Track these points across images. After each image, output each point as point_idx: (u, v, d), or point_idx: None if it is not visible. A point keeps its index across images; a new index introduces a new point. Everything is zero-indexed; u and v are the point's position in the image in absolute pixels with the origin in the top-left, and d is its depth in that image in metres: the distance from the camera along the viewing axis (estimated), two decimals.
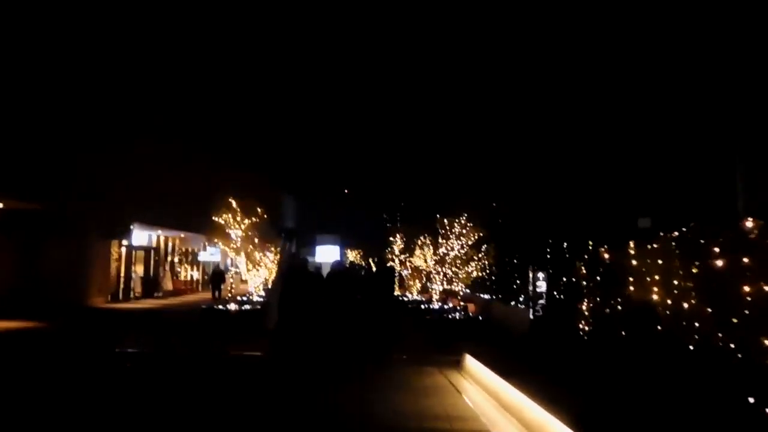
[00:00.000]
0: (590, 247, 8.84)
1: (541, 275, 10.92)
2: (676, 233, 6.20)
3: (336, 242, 43.63)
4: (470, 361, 10.31)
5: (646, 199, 14.60)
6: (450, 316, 14.23)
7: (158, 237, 27.36)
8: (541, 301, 10.88)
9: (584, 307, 9.09)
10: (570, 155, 16.26)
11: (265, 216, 16.26)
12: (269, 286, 15.48)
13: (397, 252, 25.15)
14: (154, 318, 19.55)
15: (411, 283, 22.72)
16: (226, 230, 15.97)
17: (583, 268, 9.02)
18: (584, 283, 8.98)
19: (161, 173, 23.20)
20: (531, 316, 11.05)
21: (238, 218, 16.03)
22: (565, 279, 11.50)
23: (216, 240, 17.13)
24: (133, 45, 22.01)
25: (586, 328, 9.16)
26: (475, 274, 14.70)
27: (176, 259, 30.53)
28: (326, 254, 37.87)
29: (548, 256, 13.25)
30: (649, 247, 6.81)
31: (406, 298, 22.08)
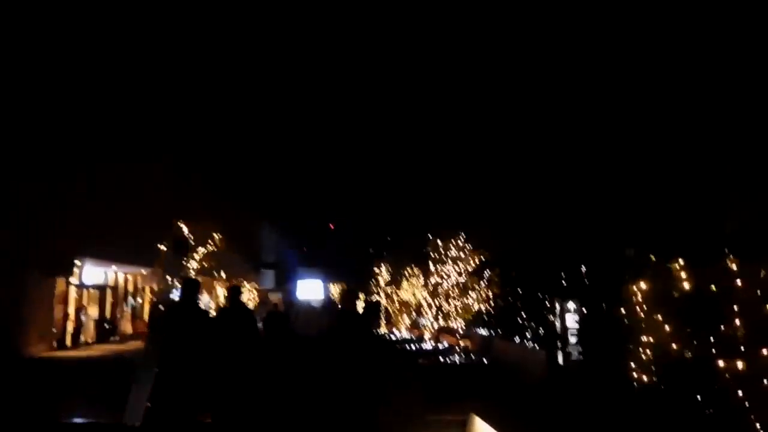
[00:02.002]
0: (654, 264, 6.18)
1: (571, 306, 8.22)
2: None
3: (318, 277, 40.66)
4: (481, 428, 7.46)
5: (629, 227, 12.41)
6: (447, 360, 11.35)
7: (115, 274, 24.14)
8: (574, 341, 8.15)
9: (641, 350, 6.41)
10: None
11: (221, 241, 13.38)
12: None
13: (382, 284, 22.31)
14: (105, 370, 16.23)
15: (399, 318, 19.81)
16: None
17: (638, 293, 6.35)
18: (642, 315, 6.31)
19: (116, 203, 20.24)
20: (560, 360, 8.29)
21: (191, 246, 13.13)
22: (586, 310, 8.82)
23: (161, 271, 14.14)
24: (83, 57, 19.51)
25: (644, 379, 6.45)
26: (476, 306, 11.89)
27: (138, 299, 27.21)
28: (308, 289, 35.16)
29: (564, 283, 10.57)
30: None
31: (393, 337, 19.12)
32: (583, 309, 8.24)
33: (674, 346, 5.84)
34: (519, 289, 12.46)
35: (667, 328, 5.91)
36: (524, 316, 12.28)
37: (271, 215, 42.21)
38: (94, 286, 23.01)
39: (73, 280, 21.29)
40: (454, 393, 9.54)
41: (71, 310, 21.41)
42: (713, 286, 5.01)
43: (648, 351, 6.32)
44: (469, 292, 12.34)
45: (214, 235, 13.45)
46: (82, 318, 21.63)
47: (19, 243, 17.68)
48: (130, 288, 25.78)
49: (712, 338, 5.06)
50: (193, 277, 13.06)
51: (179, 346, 5.21)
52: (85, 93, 19.49)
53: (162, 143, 23.89)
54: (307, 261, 47.30)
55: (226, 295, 6.58)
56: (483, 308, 12.91)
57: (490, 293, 11.86)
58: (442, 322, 13.75)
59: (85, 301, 22.29)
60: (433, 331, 15.05)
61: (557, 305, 8.29)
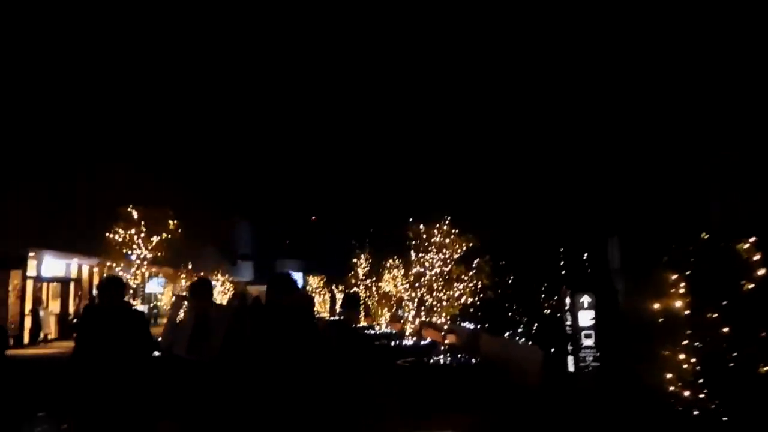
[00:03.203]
0: (706, 244, 4.52)
1: (586, 300, 6.55)
2: None
3: (299, 269, 38.84)
4: None
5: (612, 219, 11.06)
6: (431, 360, 9.69)
7: (78, 266, 22.01)
8: (589, 343, 6.50)
9: (683, 358, 4.79)
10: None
11: (179, 231, 11.47)
12: None
13: (361, 276, 20.57)
14: (58, 369, 14.19)
15: (378, 312, 18.11)
16: (124, 250, 11.12)
17: (682, 282, 4.71)
18: (685, 312, 4.68)
19: (70, 190, 18.17)
20: (572, 367, 6.64)
21: (143, 234, 11.22)
22: (604, 305, 7.19)
23: (112, 264, 12.19)
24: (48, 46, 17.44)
25: (686, 395, 4.84)
26: (462, 299, 10.22)
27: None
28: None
29: (563, 271, 8.97)
30: None
31: (372, 331, 17.44)
32: (596, 302, 6.59)
33: (735, 353, 4.20)
34: (510, 280, 10.86)
35: (725, 329, 4.28)
36: (517, 310, 10.65)
37: (251, 207, 40.21)
38: (55, 279, 20.90)
39: (30, 273, 19.19)
40: (438, 401, 7.88)
41: (28, 306, 19.31)
42: None
43: (693, 359, 4.68)
44: (455, 283, 10.64)
45: (170, 222, 11.51)
46: (40, 313, 19.51)
47: None
48: (96, 281, 23.67)
49: None
50: (144, 268, 11.13)
51: None
52: (38, 77, 17.42)
53: (129, 128, 21.79)
54: (289, 253, 45.37)
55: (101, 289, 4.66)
56: (469, 301, 11.21)
57: (479, 284, 10.20)
58: (424, 317, 12.04)
59: (44, 296, 20.19)
60: (414, 325, 13.36)
61: (567, 299, 6.65)
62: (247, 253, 39.87)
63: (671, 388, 4.97)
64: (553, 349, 8.63)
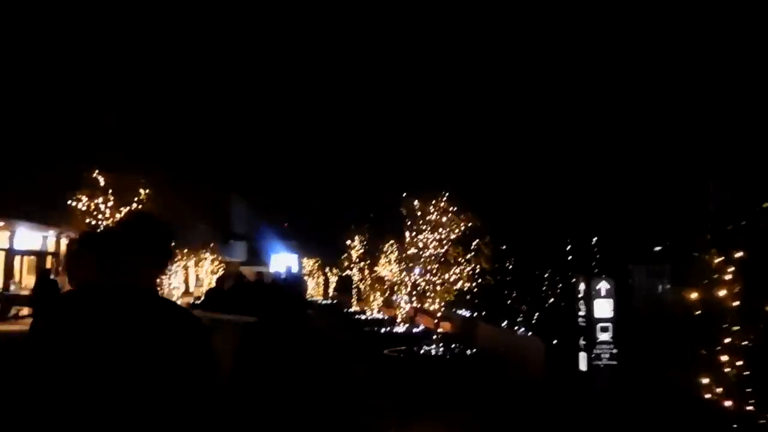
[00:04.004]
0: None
1: (603, 287, 5.64)
2: None
3: (294, 251, 37.98)
4: None
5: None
6: (423, 351, 8.87)
7: (56, 239, 21.15)
8: (605, 337, 5.62)
9: (725, 359, 3.94)
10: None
11: (150, 201, 10.55)
12: None
13: (355, 258, 19.72)
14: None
15: (371, 297, 17.32)
16: (88, 220, 10.23)
17: (730, 267, 3.83)
18: (733, 304, 3.81)
19: (51, 158, 17.26)
20: (584, 365, 5.76)
21: (110, 203, 10.32)
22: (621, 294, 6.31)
23: (74, 234, 11.31)
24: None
25: (727, 404, 4.00)
26: (459, 284, 9.37)
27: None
28: (282, 263, 32.64)
29: (570, 256, 8.11)
30: None
31: (363, 316, 16.68)
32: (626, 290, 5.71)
33: None
34: (511, 265, 10.02)
35: None
36: (517, 297, 9.80)
37: (247, 186, 39.29)
38: (30, 253, 20.07)
39: (2, 245, 18.36)
40: (430, 396, 7.08)
41: (0, 280, 18.52)
42: None
43: (740, 361, 3.82)
44: (451, 266, 9.77)
45: (141, 191, 10.59)
46: (11, 287, 18.71)
47: None
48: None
49: None
50: None
51: None
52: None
53: (129, 98, 20.78)
54: (285, 234, 44.49)
55: None
56: (466, 286, 10.37)
57: (477, 268, 9.34)
58: (416, 302, 11.20)
59: (17, 269, 19.38)
60: (407, 311, 12.56)
61: (581, 286, 5.76)
62: (240, 233, 39.00)
63: (707, 396, 4.12)
64: (555, 341, 7.81)
